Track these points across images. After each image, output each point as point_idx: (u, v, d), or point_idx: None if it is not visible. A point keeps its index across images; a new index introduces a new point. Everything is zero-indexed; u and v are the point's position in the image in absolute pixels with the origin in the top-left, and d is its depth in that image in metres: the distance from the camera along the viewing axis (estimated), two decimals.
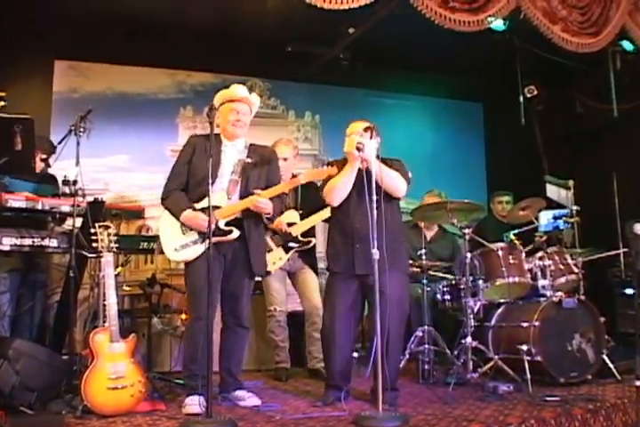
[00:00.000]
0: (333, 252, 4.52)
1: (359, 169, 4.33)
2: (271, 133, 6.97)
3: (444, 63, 7.75)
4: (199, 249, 4.26)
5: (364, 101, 8.12)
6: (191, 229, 4.31)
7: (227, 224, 4.31)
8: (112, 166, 7.17)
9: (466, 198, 5.32)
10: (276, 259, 5.48)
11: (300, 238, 5.51)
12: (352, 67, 7.73)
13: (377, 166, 4.23)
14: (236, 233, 4.28)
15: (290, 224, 5.50)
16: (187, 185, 4.43)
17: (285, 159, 5.47)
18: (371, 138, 4.17)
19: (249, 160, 4.45)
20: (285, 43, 7.33)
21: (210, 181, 3.96)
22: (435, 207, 5.41)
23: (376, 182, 4.10)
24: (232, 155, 4.46)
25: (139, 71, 7.45)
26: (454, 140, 8.74)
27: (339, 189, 4.40)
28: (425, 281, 5.63)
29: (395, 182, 4.39)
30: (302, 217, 5.55)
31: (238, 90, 4.51)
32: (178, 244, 4.32)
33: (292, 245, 5.49)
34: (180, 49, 7.14)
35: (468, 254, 5.27)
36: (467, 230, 5.29)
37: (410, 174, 4.57)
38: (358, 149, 4.26)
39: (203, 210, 4.24)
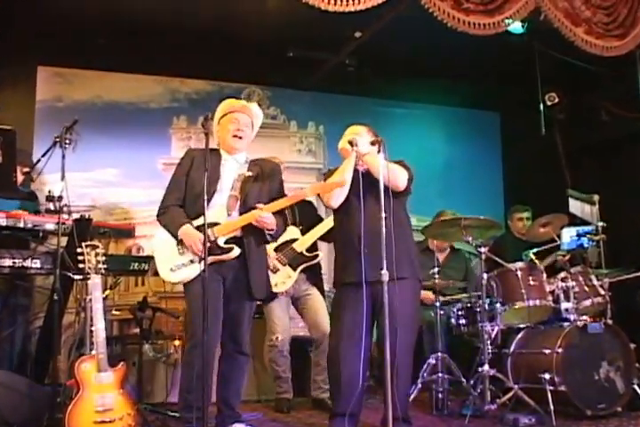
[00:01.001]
0: (341, 262, 4.50)
1: (357, 171, 4.39)
2: (271, 145, 7.00)
3: (458, 69, 7.77)
4: (197, 269, 4.25)
5: (371, 111, 8.14)
6: (188, 249, 4.31)
7: (226, 242, 4.31)
8: (100, 181, 7.17)
9: (482, 215, 5.33)
10: (285, 278, 5.51)
11: (306, 254, 5.55)
12: (358, 73, 7.77)
13: (372, 159, 4.29)
14: (236, 251, 4.28)
15: (292, 240, 5.55)
16: (184, 200, 4.44)
17: None
18: (378, 152, 4.16)
19: (249, 174, 4.46)
20: (287, 47, 7.36)
21: (205, 197, 3.96)
22: (448, 224, 5.41)
23: (376, 182, 4.10)
24: (232, 169, 4.48)
25: (129, 78, 7.48)
26: (469, 153, 8.74)
27: (336, 191, 4.43)
28: (438, 304, 5.62)
29: (394, 174, 4.35)
30: (303, 233, 5.60)
31: (238, 101, 4.58)
32: (174, 263, 4.32)
33: (298, 260, 5.53)
34: (173, 54, 7.15)
35: (485, 275, 5.26)
36: (483, 249, 5.28)
37: (412, 169, 4.57)
38: (351, 143, 4.37)
39: (199, 227, 4.24)
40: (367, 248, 4.23)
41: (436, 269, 5.70)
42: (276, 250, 5.51)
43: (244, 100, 4.71)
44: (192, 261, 4.29)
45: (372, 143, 4.27)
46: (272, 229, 4.37)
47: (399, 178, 4.40)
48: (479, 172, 8.73)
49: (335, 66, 7.62)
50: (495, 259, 5.57)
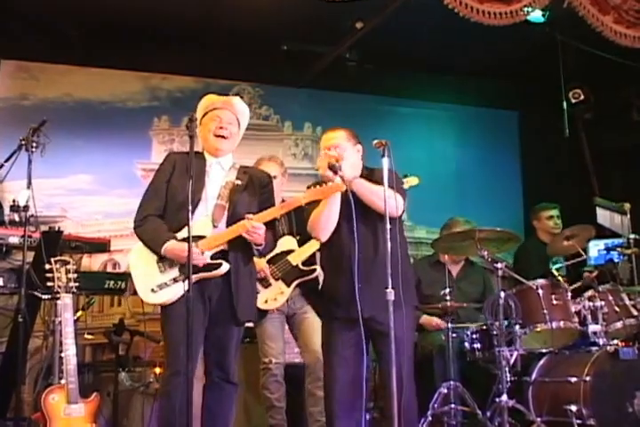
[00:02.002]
0: (331, 294, 4.48)
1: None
2: (262, 149, 6.96)
3: (472, 63, 7.80)
4: (181, 289, 4.19)
5: (374, 110, 8.16)
6: (170, 265, 4.28)
7: (212, 258, 4.28)
8: (71, 189, 7.17)
9: (498, 226, 5.31)
10: (277, 294, 5.45)
11: (302, 267, 5.51)
12: (360, 69, 7.80)
13: (360, 185, 4.27)
14: (225, 267, 4.23)
15: (288, 252, 5.51)
16: (164, 210, 4.39)
17: (274, 177, 5.50)
18: (383, 156, 4.14)
19: (238, 182, 4.42)
20: (280, 40, 7.39)
21: (190, 207, 3.93)
22: (461, 237, 5.40)
23: (365, 204, 4.12)
24: (218, 175, 4.44)
25: (104, 74, 7.48)
26: (484, 156, 8.77)
27: (324, 222, 4.38)
28: (450, 326, 5.60)
29: (390, 202, 4.33)
30: (300, 243, 5.56)
31: (218, 96, 4.55)
32: (155, 283, 4.24)
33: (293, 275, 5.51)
34: (154, 47, 7.18)
35: (502, 293, 5.24)
36: (499, 265, 5.26)
37: (406, 184, 4.57)
38: (333, 169, 4.24)
39: (183, 239, 4.20)
40: (361, 279, 4.20)
41: (448, 290, 5.68)
42: (268, 262, 5.45)
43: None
44: (175, 280, 4.23)
45: (377, 146, 4.24)
46: (260, 244, 4.33)
47: (392, 205, 4.22)
48: (495, 178, 8.75)
49: (334, 61, 7.64)
50: (513, 275, 5.55)
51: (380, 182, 4.23)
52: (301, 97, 8.18)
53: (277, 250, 5.42)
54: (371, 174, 4.42)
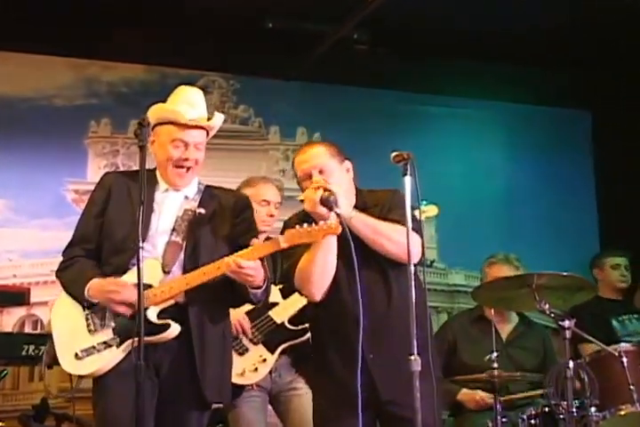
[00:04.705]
0: (328, 369, 4.44)
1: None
2: (238, 164, 6.96)
3: (528, 49, 7.81)
4: (115, 356, 4.17)
5: (393, 111, 8.19)
6: (103, 324, 4.25)
7: (160, 314, 4.26)
8: None
9: (565, 270, 5.29)
10: (258, 362, 5.41)
11: (290, 327, 5.49)
12: (372, 54, 7.81)
13: (361, 223, 4.22)
14: (174, 329, 4.20)
15: (270, 305, 5.46)
16: (98, 251, 4.39)
17: (277, 205, 5.52)
18: (405, 175, 4.09)
19: (201, 211, 4.40)
20: (264, 16, 7.37)
21: (140, 243, 3.87)
22: (513, 284, 5.37)
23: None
24: (173, 202, 4.42)
25: (22, 60, 7.49)
26: (544, 172, 8.79)
27: (318, 276, 4.31)
28: (499, 406, 5.56)
29: (394, 242, 4.31)
30: (285, 294, 5.53)
31: (190, 99, 4.45)
32: (80, 346, 4.22)
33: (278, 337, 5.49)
34: (90, 25, 7.17)
35: (571, 363, 5.20)
36: (567, 323, 5.21)
37: (423, 215, 4.51)
38: (327, 204, 4.14)
39: None
40: (372, 346, 4.19)
41: (495, 355, 5.64)
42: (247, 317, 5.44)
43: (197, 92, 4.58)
44: (108, 344, 4.20)
45: (397, 161, 4.20)
46: (259, 287, 4.26)
47: (412, 251, 4.24)
48: (560, 202, 8.76)
49: (337, 43, 7.63)
50: (587, 337, 5.52)
51: (380, 216, 4.30)
52: (292, 93, 8.20)
53: None
54: (366, 204, 4.40)
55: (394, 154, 4.14)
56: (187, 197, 4.43)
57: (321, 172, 4.33)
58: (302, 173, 4.39)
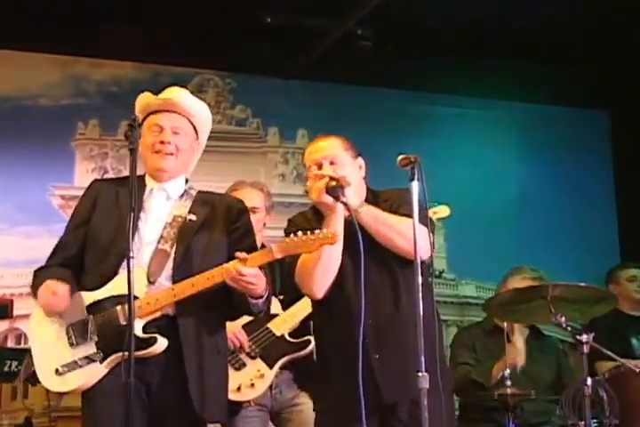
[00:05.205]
0: (329, 373, 4.42)
1: (345, 220, 4.23)
2: (235, 169, 6.95)
3: (543, 45, 7.81)
4: (98, 371, 4.14)
5: (400, 111, 8.19)
6: (85, 337, 4.23)
7: (146, 328, 4.23)
8: None
9: (582, 281, 5.26)
10: (255, 378, 5.39)
11: (290, 339, 5.48)
12: (378, 51, 7.79)
13: (370, 216, 4.21)
14: (161, 344, 4.18)
15: (270, 317, 5.44)
16: (79, 260, 4.36)
17: (254, 210, 5.47)
18: (412, 179, 4.08)
19: (192, 217, 4.40)
20: (263, 10, 7.36)
21: (130, 252, 3.86)
22: (528, 295, 5.34)
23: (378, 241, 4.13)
24: (162, 207, 4.39)
25: (6, 58, 7.46)
26: (560, 176, 8.78)
27: (320, 272, 4.30)
28: (512, 426, 5.56)
29: (404, 237, 4.30)
30: (285, 305, 5.53)
31: (166, 93, 4.45)
32: (61, 361, 4.19)
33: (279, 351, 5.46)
34: (78, 20, 7.17)
35: (589, 380, 5.18)
36: (584, 337, 5.19)
37: (433, 216, 4.50)
38: (333, 193, 4.17)
39: (105, 301, 4.16)
40: (378, 347, 4.18)
41: (508, 372, 5.62)
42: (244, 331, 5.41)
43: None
44: (90, 359, 4.19)
45: (403, 164, 4.19)
46: (260, 296, 4.22)
47: (420, 244, 4.25)
48: (577, 208, 8.75)
49: (340, 39, 7.61)
50: (605, 352, 5.50)
51: (390, 211, 4.27)
52: (292, 92, 8.21)
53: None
54: (376, 200, 4.39)
55: (400, 157, 4.13)
56: (169, 198, 4.40)
57: (332, 163, 4.31)
58: (312, 162, 4.37)
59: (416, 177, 4.01)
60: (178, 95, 4.40)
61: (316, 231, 4.05)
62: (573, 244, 8.37)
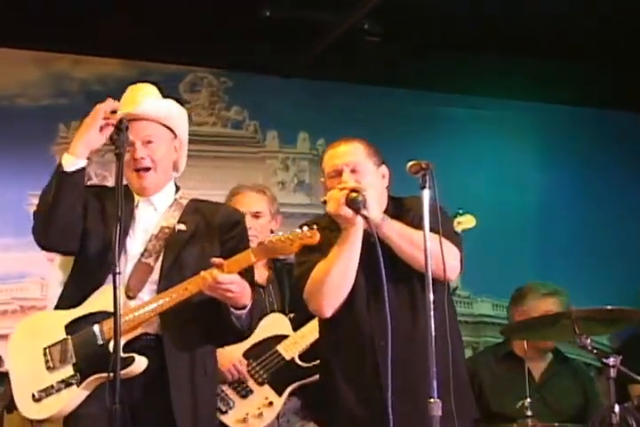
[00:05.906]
0: (338, 404, 4.40)
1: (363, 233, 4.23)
2: (230, 175, 6.93)
3: (567, 41, 7.79)
4: (76, 395, 4.14)
5: (410, 113, 8.20)
6: (63, 359, 4.19)
7: (126, 347, 4.15)
8: None
9: (608, 302, 5.24)
10: (262, 405, 5.37)
11: (301, 363, 5.45)
12: (386, 48, 7.77)
13: (392, 230, 4.18)
14: (139, 363, 4.15)
15: (277, 339, 5.46)
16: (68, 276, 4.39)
17: (257, 215, 5.46)
18: (423, 187, 4.06)
19: (181, 227, 4.38)
20: (262, 4, 7.34)
21: (116, 262, 3.85)
22: (548, 321, 5.38)
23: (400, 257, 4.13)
24: (149, 218, 4.40)
25: None
26: (586, 182, 8.79)
27: (334, 286, 4.29)
28: None
29: (439, 257, 4.25)
30: (296, 325, 5.51)
31: (133, 98, 4.39)
32: (37, 387, 4.20)
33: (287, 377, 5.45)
34: (60, 14, 7.15)
35: (617, 406, 5.15)
36: (612, 360, 5.16)
37: (458, 227, 4.48)
38: (354, 205, 4.13)
39: (82, 319, 4.16)
40: (394, 378, 4.06)
41: (529, 402, 5.60)
42: (246, 356, 5.39)
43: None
44: (67, 383, 4.17)
45: (414, 171, 4.17)
46: (244, 306, 4.21)
47: (449, 263, 4.15)
48: (604, 215, 8.73)
49: (344, 35, 7.61)
50: (635, 378, 5.47)
51: (415, 223, 4.21)
52: (293, 92, 8.22)
53: (261, 335, 5.33)
54: (400, 209, 4.39)
55: (410, 164, 4.11)
56: (156, 210, 4.41)
57: (353, 171, 4.30)
58: (331, 168, 4.36)
59: (427, 185, 3.99)
60: (138, 105, 4.36)
61: (296, 230, 4.06)
62: (598, 259, 8.35)
